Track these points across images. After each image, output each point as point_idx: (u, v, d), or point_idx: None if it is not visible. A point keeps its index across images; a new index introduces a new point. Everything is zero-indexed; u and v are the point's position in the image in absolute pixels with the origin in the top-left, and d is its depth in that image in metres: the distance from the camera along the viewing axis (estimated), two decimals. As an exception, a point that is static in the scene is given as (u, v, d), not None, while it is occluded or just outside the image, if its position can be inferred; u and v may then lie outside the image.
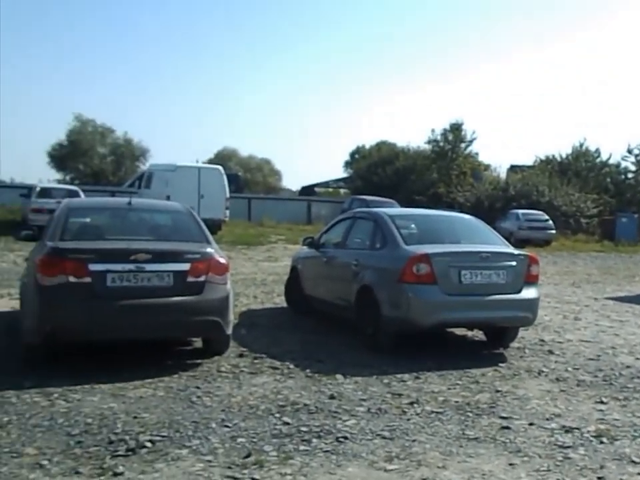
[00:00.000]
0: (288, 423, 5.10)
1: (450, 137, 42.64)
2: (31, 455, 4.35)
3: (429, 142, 43.41)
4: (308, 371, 6.65)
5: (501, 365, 7.25)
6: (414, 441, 4.84)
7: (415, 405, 5.67)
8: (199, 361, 6.83)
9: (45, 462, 4.23)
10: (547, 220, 29.16)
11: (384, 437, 4.89)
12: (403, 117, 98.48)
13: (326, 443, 4.73)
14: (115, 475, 4.09)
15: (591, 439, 5.05)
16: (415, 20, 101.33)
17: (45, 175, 55.11)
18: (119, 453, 4.41)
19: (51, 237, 6.78)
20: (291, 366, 6.82)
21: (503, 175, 43.29)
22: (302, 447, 4.64)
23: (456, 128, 42.51)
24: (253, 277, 14.08)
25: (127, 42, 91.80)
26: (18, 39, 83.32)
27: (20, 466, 4.16)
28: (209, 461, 4.35)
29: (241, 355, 7.16)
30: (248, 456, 4.44)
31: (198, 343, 7.39)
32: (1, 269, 13.68)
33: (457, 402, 5.82)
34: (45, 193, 22.16)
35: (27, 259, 7.96)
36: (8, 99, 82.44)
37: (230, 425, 5.03)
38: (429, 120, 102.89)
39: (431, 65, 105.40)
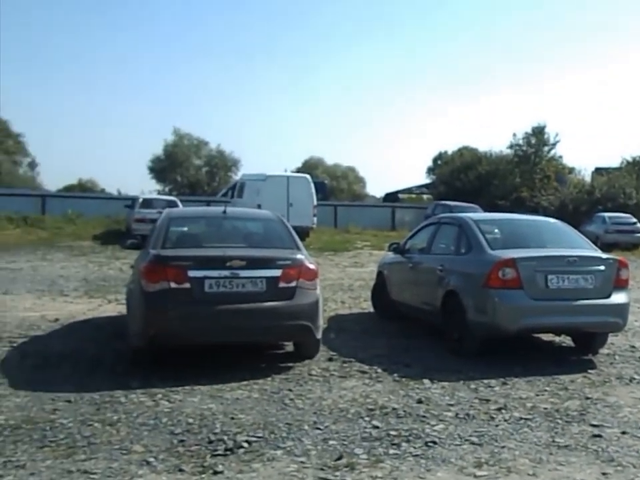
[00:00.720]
0: (377, 427, 5.07)
1: (532, 141, 41.42)
2: (139, 452, 4.49)
3: (511, 146, 42.33)
4: (395, 375, 6.60)
5: (590, 371, 6.98)
6: (503, 447, 4.71)
7: (503, 411, 5.52)
8: (290, 364, 6.90)
9: (151, 459, 4.36)
10: (634, 223, 27.83)
11: (473, 443, 4.79)
12: (485, 122, 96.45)
13: (415, 447, 4.67)
14: (215, 473, 4.17)
15: (687, 448, 4.79)
16: (495, 24, 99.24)
17: (147, 187, 56.97)
18: (218, 452, 4.50)
19: (154, 245, 7.00)
20: (379, 370, 6.78)
21: (588, 178, 41.71)
22: (392, 451, 4.60)
23: (539, 131, 41.23)
24: (340, 282, 14.11)
25: (219, 57, 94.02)
26: (121, 57, 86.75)
27: (129, 462, 4.31)
28: (303, 462, 4.38)
29: (330, 359, 7.19)
30: (339, 458, 4.44)
31: (289, 346, 7.46)
32: (108, 276, 14.24)
33: (545, 409, 5.63)
34: (147, 203, 22.91)
35: (132, 266, 8.25)
36: (113, 115, 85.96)
37: (322, 427, 5.05)
38: (511, 124, 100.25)
39: (511, 68, 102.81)
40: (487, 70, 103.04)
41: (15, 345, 7.48)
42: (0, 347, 7.32)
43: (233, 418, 5.20)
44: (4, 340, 7.67)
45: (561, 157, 43.23)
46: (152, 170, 53.36)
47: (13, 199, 27.37)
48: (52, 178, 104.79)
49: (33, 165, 52.72)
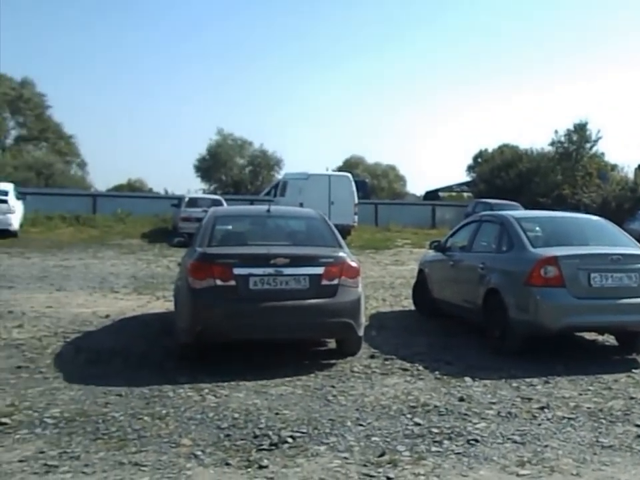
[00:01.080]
0: (419, 424, 5.05)
1: (574, 138, 40.57)
2: (187, 445, 4.54)
3: (552, 143, 41.55)
4: (437, 372, 6.56)
5: (634, 371, 6.81)
6: (546, 446, 4.64)
7: (546, 410, 5.43)
8: (333, 361, 6.91)
9: (199, 452, 4.42)
10: (679, 220, 27.05)
11: (515, 441, 4.72)
12: (526, 119, 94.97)
13: (457, 445, 4.63)
14: (261, 467, 4.20)
15: None
16: (535, 19, 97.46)
17: (192, 186, 57.55)
18: (264, 447, 4.53)
19: (200, 243, 7.08)
20: (420, 367, 6.74)
21: (631, 175, 40.63)
22: (434, 448, 4.57)
23: (580, 128, 40.33)
24: (381, 280, 14.06)
25: (262, 58, 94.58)
26: (168, 60, 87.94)
27: (177, 455, 4.37)
28: (346, 458, 4.38)
29: (372, 356, 7.17)
30: (382, 455, 4.43)
31: (332, 343, 7.46)
32: (156, 273, 14.46)
33: (589, 408, 5.52)
34: (193, 202, 23.15)
35: (179, 263, 8.35)
36: (161, 116, 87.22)
37: (364, 423, 5.04)
38: (553, 121, 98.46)
39: (552, 64, 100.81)
40: (527, 66, 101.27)
41: (68, 340, 7.66)
42: (55, 342, 7.50)
43: (277, 413, 5.23)
44: (58, 335, 7.86)
45: (603, 153, 42.29)
46: (198, 169, 53.95)
47: (66, 199, 27.95)
48: (103, 178, 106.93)
49: (82, 165, 53.81)
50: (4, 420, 4.91)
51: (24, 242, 20.12)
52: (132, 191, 45.44)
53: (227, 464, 4.25)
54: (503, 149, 48.99)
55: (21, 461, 4.22)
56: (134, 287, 12.28)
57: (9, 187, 22.32)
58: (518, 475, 4.16)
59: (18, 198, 22.08)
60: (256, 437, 4.72)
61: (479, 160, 53.33)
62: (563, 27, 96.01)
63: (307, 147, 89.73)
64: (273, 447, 4.52)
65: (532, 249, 7.51)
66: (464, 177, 53.71)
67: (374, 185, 52.05)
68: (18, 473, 4.04)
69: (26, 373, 6.25)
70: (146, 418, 5.06)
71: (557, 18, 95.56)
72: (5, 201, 20.76)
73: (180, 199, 24.69)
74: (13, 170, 38.09)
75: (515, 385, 6.19)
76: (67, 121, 64.98)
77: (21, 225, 21.86)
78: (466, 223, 9.81)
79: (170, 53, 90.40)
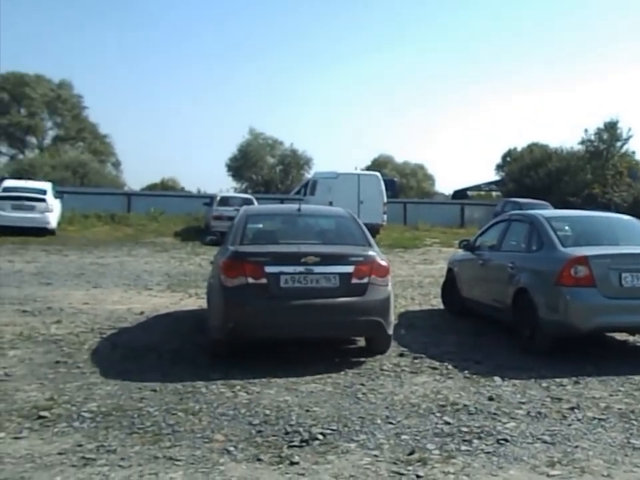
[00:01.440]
0: (449, 423, 5.01)
1: (604, 136, 39.92)
2: (220, 440, 4.58)
3: (582, 142, 40.96)
4: (466, 372, 6.51)
5: (666, 371, 6.69)
6: (576, 447, 4.58)
7: (576, 411, 5.36)
8: (362, 359, 6.90)
9: (232, 448, 4.45)
10: None
11: (545, 442, 4.67)
12: (555, 117, 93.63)
13: (487, 444, 4.59)
14: (292, 464, 4.21)
15: None
16: (564, 17, 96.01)
17: (224, 185, 57.81)
18: (295, 443, 4.54)
19: (232, 241, 7.12)
20: (450, 366, 6.70)
21: (663, 174, 39.90)
22: (463, 447, 4.54)
23: (611, 126, 39.68)
24: (410, 279, 14.00)
25: (293, 57, 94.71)
26: (200, 59, 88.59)
27: (210, 450, 4.41)
28: (376, 456, 4.37)
29: (401, 355, 7.14)
30: (412, 453, 4.41)
31: (361, 341, 7.45)
32: (189, 271, 14.58)
33: (620, 409, 5.43)
34: (224, 201, 23.29)
35: (211, 262, 8.41)
36: (194, 116, 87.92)
37: (394, 421, 5.02)
38: (582, 120, 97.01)
39: (580, 62, 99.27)
40: (557, 64, 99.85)
41: (104, 336, 7.77)
42: (92, 338, 7.62)
43: (307, 410, 5.24)
44: (95, 331, 7.97)
45: (633, 152, 41.54)
46: (229, 168, 54.28)
47: (101, 198, 28.35)
48: (137, 177, 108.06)
49: (117, 165, 54.51)
50: (44, 413, 5.00)
51: (61, 240, 20.45)
52: (165, 189, 45.84)
53: (259, 460, 4.27)
54: (532, 147, 48.42)
55: (59, 454, 4.29)
56: (167, 284, 12.41)
57: (47, 186, 22.70)
58: (548, 476, 4.12)
59: (56, 197, 22.42)
60: (287, 433, 4.74)
61: (508, 159, 52.76)
62: (589, 22, 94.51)
63: (336, 147, 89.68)
64: (304, 444, 4.53)
65: (562, 248, 7.41)
66: (493, 176, 53.20)
67: (402, 184, 51.81)
68: (57, 465, 4.11)
69: (64, 368, 6.35)
70: (180, 413, 5.11)
71: (587, 12, 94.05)
72: (44, 200, 21.11)
73: (212, 197, 24.85)
74: (51, 169, 38.75)
75: (544, 384, 6.12)
76: (102, 121, 65.72)
77: (59, 223, 22.21)
78: (495, 222, 9.72)
79: (203, 52, 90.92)
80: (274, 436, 4.69)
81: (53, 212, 21.43)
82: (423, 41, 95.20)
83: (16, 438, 4.55)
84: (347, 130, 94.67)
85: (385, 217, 24.11)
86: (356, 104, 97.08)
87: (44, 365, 6.47)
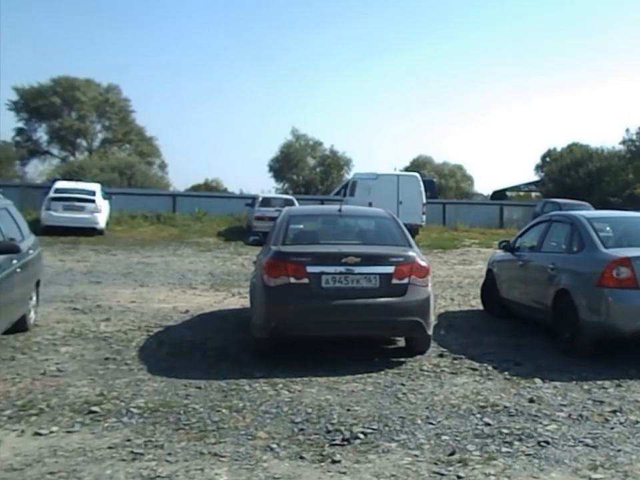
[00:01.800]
0: (489, 424, 4.96)
1: (646, 136, 38.90)
2: (263, 438, 4.61)
3: (623, 142, 40.01)
4: (506, 373, 6.42)
5: None
6: (619, 450, 4.48)
7: (618, 414, 5.24)
8: (402, 359, 6.86)
9: (274, 445, 4.48)
10: None
11: (587, 445, 4.58)
12: (595, 117, 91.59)
13: (528, 447, 4.53)
14: (334, 462, 4.22)
15: None
16: (599, 13, 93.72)
17: (266, 185, 58.00)
18: (336, 442, 4.55)
19: (275, 241, 7.15)
20: (490, 367, 6.62)
21: None
22: (504, 449, 4.48)
23: (653, 126, 38.67)
24: (449, 279, 13.87)
25: (332, 59, 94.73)
26: (243, 61, 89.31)
27: (254, 448, 4.44)
28: (416, 456, 4.35)
29: (441, 355, 7.09)
30: (452, 454, 4.38)
31: (401, 342, 7.42)
32: (232, 271, 14.72)
33: (663, 413, 5.30)
34: (266, 202, 23.41)
35: (254, 261, 8.48)
36: (238, 117, 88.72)
37: (434, 422, 4.99)
38: (624, 119, 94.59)
39: (616, 59, 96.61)
40: (594, 61, 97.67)
41: (151, 333, 7.89)
42: (139, 335, 7.75)
43: (348, 409, 5.24)
44: (142, 329, 8.11)
45: (677, 152, 40.32)
46: (271, 169, 54.57)
47: (147, 199, 28.77)
48: (182, 178, 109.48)
49: (163, 166, 55.29)
50: (94, 408, 5.11)
51: (109, 240, 20.85)
52: (208, 190, 46.32)
53: (301, 457, 4.29)
54: (572, 147, 47.48)
55: (109, 448, 4.38)
56: (211, 283, 12.54)
57: (96, 187, 23.17)
58: (590, 479, 4.04)
59: (104, 198, 22.88)
60: (329, 432, 4.75)
61: (548, 159, 51.86)
62: (624, 17, 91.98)
63: (375, 148, 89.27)
64: (345, 443, 4.53)
65: (604, 249, 7.26)
66: (532, 177, 52.33)
67: (441, 185, 51.35)
68: (107, 459, 4.20)
69: (113, 365, 6.48)
70: (224, 410, 5.16)
71: (622, 9, 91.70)
72: (93, 201, 21.56)
73: (254, 198, 25.00)
74: (99, 171, 39.49)
75: (586, 387, 6.00)
76: (148, 124, 66.65)
77: (107, 224, 22.65)
78: (535, 222, 9.57)
79: (247, 55, 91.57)
80: (316, 434, 4.70)
81: (101, 212, 21.86)
82: (463, 39, 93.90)
83: (69, 432, 4.66)
84: (386, 131, 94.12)
85: (424, 217, 23.94)
86: (395, 105, 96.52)
87: (94, 361, 6.61)
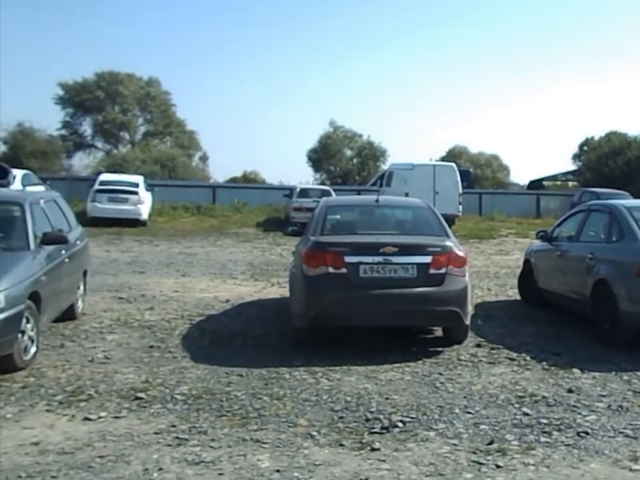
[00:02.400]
0: (527, 414, 4.91)
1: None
2: (303, 425, 4.65)
3: (664, 130, 38.91)
4: (544, 363, 6.33)
5: None
6: (660, 442, 4.39)
7: (659, 405, 5.14)
8: (440, 349, 6.82)
9: (315, 433, 4.51)
10: None
11: (627, 436, 4.50)
12: (634, 105, 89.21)
13: (567, 437, 4.47)
14: (373, 450, 4.23)
15: None
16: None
17: (304, 176, 57.89)
18: (375, 430, 4.56)
19: (313, 232, 7.16)
20: (527, 358, 6.54)
21: None
22: (543, 439, 4.43)
23: (694, 114, 37.51)
24: (486, 269, 13.70)
25: (371, 51, 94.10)
26: (281, 55, 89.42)
27: (295, 435, 4.48)
28: (455, 445, 4.33)
29: (478, 345, 7.02)
30: (491, 443, 4.35)
31: (438, 331, 7.37)
32: (271, 261, 14.79)
33: None
34: (304, 193, 23.42)
35: (293, 252, 8.51)
36: (277, 110, 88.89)
37: (472, 411, 4.96)
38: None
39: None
40: (636, 51, 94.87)
41: (193, 322, 7.99)
42: (182, 324, 7.86)
43: (387, 398, 5.24)
44: (185, 318, 8.22)
45: None
46: (309, 159, 54.58)
47: (188, 190, 29.02)
48: (222, 169, 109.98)
49: (204, 159, 55.73)
50: (140, 395, 5.21)
51: (152, 230, 21.13)
52: (247, 182, 46.58)
53: (341, 445, 4.31)
54: (610, 136, 46.36)
55: (155, 433, 4.47)
56: (250, 273, 12.63)
57: (139, 179, 23.48)
58: (631, 470, 3.98)
59: (147, 189, 23.15)
60: (368, 420, 4.75)
61: (585, 148, 50.77)
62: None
63: (411, 138, 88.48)
64: (384, 431, 4.54)
65: (644, 239, 7.09)
66: (569, 166, 51.29)
67: (477, 175, 50.68)
68: (154, 444, 4.28)
69: (157, 352, 6.59)
70: (265, 398, 5.21)
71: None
72: (136, 192, 21.85)
73: (292, 189, 25.02)
74: (142, 163, 40.01)
75: (625, 378, 5.88)
76: (189, 116, 67.15)
77: (150, 215, 22.93)
78: (573, 212, 9.40)
79: (286, 46, 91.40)
80: (355, 422, 4.72)
81: (144, 204, 22.14)
82: (500, 23, 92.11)
83: (116, 417, 4.77)
84: (423, 122, 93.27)
85: (460, 207, 23.65)
86: (430, 96, 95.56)
87: (139, 349, 6.73)
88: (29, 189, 14.20)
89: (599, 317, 7.30)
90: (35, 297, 6.02)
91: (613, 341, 7.01)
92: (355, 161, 54.58)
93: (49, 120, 69.22)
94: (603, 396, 5.37)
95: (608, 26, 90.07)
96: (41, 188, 16.27)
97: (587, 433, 4.53)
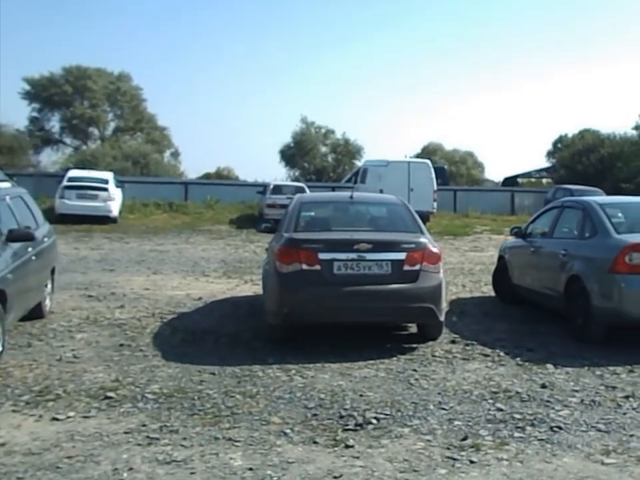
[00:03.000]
0: (501, 409, 4.96)
1: (660, 121, 38.47)
2: (276, 423, 4.64)
3: (636, 127, 39.56)
4: (518, 359, 6.41)
5: None
6: (631, 435, 4.47)
7: (631, 399, 5.22)
8: (414, 345, 6.87)
9: (288, 430, 4.50)
10: None
11: (599, 430, 4.58)
12: (606, 103, 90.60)
13: (540, 432, 4.53)
14: (347, 447, 4.24)
15: None
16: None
17: (278, 174, 57.87)
18: (349, 427, 4.57)
19: (287, 228, 7.16)
20: (501, 354, 6.61)
21: None
22: (516, 434, 4.49)
23: (667, 112, 38.24)
24: (461, 266, 13.82)
25: (350, 47, 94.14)
26: (257, 50, 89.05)
27: (268, 432, 4.47)
28: (429, 441, 4.37)
29: (453, 341, 7.08)
30: (465, 439, 4.39)
31: (413, 328, 7.41)
32: (244, 258, 14.74)
33: (676, 398, 5.27)
34: (277, 189, 23.38)
35: (266, 249, 8.48)
36: (248, 107, 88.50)
37: (446, 407, 5.00)
38: (636, 105, 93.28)
39: (628, 39, 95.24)
40: (607, 44, 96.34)
41: (165, 320, 7.93)
42: (153, 322, 7.79)
43: (361, 395, 5.26)
44: (156, 316, 8.15)
45: (690, 137, 39.89)
46: (283, 156, 54.45)
47: (160, 187, 28.75)
48: (193, 166, 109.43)
49: (175, 155, 55.28)
50: (110, 394, 5.16)
51: (123, 227, 20.92)
52: (220, 178, 46.32)
53: (315, 442, 4.31)
54: (583, 133, 47.05)
55: (125, 433, 4.42)
56: (223, 270, 12.57)
57: (109, 175, 23.22)
58: (603, 464, 4.04)
59: (117, 186, 22.89)
60: (342, 417, 4.77)
61: (559, 145, 51.45)
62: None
63: (386, 135, 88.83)
64: (358, 428, 4.56)
65: (616, 235, 7.20)
66: (543, 163, 51.95)
67: (452, 172, 51.05)
68: (124, 444, 4.24)
69: (128, 351, 6.52)
70: (238, 396, 5.19)
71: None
72: (106, 189, 21.59)
73: (265, 186, 24.96)
74: (112, 159, 39.57)
75: (598, 373, 5.98)
76: (160, 112, 66.64)
77: (120, 212, 22.69)
78: (547, 209, 9.51)
79: (259, 41, 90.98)
80: (329, 419, 4.73)
81: (114, 201, 21.90)
82: (471, 17, 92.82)
83: (85, 417, 4.72)
84: (396, 119, 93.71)
85: (435, 204, 23.80)
86: (404, 93, 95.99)
87: (109, 347, 6.65)
88: (-5, 184, 13.96)
89: (572, 312, 7.40)
90: (0, 295, 5.92)
91: (585, 336, 7.11)
92: (329, 157, 54.62)
93: (15, 115, 68.32)
94: (576, 391, 5.45)
95: (581, 22, 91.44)
96: (6, 184, 15.98)
97: (560, 428, 4.60)
